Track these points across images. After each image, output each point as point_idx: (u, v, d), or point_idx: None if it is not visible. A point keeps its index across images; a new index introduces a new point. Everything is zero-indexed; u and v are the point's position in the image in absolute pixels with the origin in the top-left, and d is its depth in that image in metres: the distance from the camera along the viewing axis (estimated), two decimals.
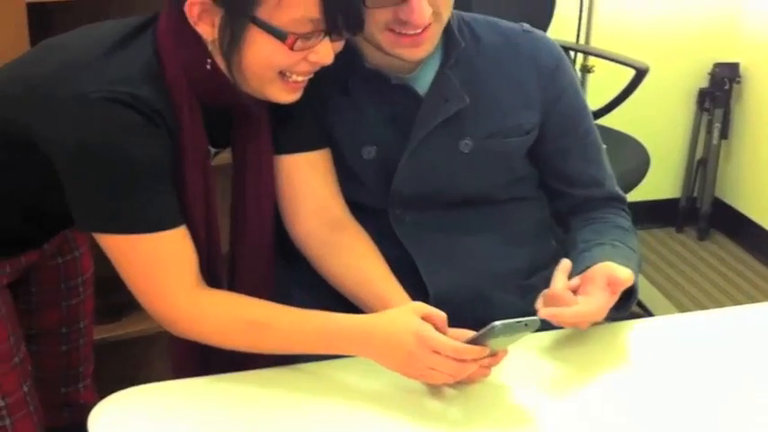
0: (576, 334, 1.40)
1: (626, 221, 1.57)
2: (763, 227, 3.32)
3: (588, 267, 1.40)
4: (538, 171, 1.58)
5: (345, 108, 1.46)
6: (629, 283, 1.36)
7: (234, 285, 1.41)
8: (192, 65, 1.26)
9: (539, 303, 1.35)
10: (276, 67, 1.23)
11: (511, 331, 1.20)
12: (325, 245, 1.42)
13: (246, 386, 1.28)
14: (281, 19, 1.19)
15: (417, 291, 1.42)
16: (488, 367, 1.26)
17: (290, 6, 1.18)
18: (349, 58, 1.40)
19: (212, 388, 1.28)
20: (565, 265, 1.40)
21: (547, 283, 1.55)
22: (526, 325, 1.20)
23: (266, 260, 1.43)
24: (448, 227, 1.51)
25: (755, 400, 1.27)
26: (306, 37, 1.21)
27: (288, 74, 1.25)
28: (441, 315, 1.26)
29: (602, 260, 1.41)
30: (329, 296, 1.43)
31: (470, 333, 1.24)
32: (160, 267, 1.26)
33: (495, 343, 1.22)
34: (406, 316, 1.24)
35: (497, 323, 1.18)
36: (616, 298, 1.36)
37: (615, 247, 1.48)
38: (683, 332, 1.46)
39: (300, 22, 1.19)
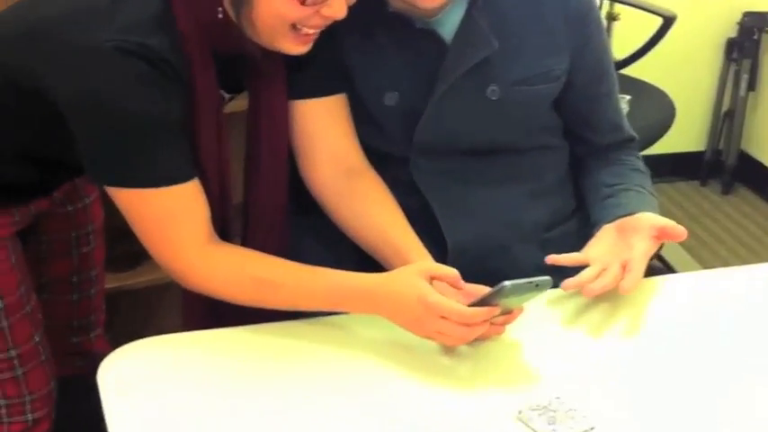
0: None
1: (641, 163, 1.56)
2: None
3: (620, 216, 1.39)
4: (562, 119, 1.53)
5: (368, 53, 1.41)
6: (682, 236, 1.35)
7: (247, 235, 1.38)
8: (204, 13, 1.21)
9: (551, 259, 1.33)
10: (287, 20, 1.19)
11: (521, 291, 1.16)
12: (341, 193, 1.39)
13: (256, 339, 1.26)
14: None
15: (436, 242, 1.38)
16: (503, 325, 1.23)
17: None
18: (372, 2, 1.35)
19: (222, 340, 1.26)
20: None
21: (567, 237, 1.53)
22: (537, 285, 1.16)
23: (280, 209, 1.39)
24: (469, 176, 1.47)
25: None
26: None
27: (299, 26, 1.21)
28: (451, 273, 1.23)
29: (631, 207, 1.41)
30: (344, 247, 1.40)
31: (485, 289, 1.20)
32: (172, 222, 1.24)
33: (505, 302, 1.19)
34: (412, 279, 1.21)
35: (507, 283, 1.14)
36: (658, 245, 1.35)
37: (639, 194, 1.47)
38: (707, 289, 1.42)
39: None
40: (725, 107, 3.40)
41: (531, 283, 1.16)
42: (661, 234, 1.36)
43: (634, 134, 1.58)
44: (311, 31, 1.22)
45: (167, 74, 1.19)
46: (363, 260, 1.36)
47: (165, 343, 1.25)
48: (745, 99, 3.34)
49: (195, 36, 1.21)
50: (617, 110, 1.56)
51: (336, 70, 1.40)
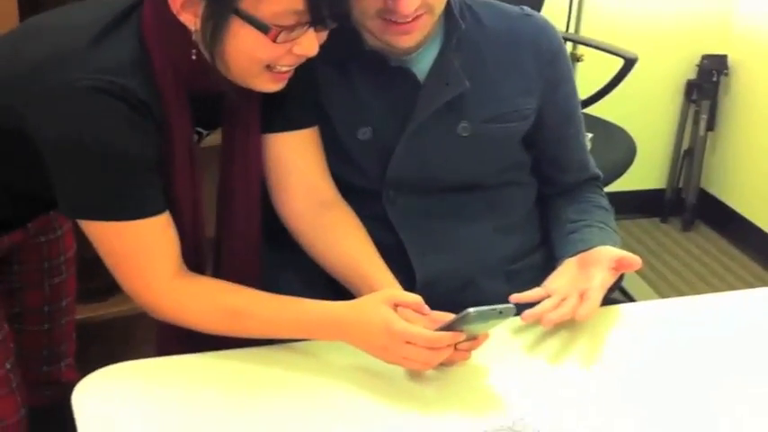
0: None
1: (605, 200, 1.61)
2: (749, 219, 3.34)
3: (582, 251, 1.45)
4: (530, 157, 1.58)
5: (342, 88, 1.46)
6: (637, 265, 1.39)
7: (220, 269, 1.41)
8: (178, 55, 1.25)
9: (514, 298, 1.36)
10: (260, 60, 1.22)
11: (485, 318, 1.20)
12: (314, 225, 1.42)
13: (229, 364, 1.28)
14: (264, 11, 1.18)
15: (407, 276, 1.42)
16: (468, 351, 1.27)
17: None
18: (348, 39, 1.40)
19: (197, 365, 1.28)
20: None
21: (532, 269, 1.57)
22: (500, 312, 1.20)
23: (253, 243, 1.42)
24: (440, 212, 1.51)
25: (736, 383, 1.28)
26: (289, 29, 1.20)
27: (273, 66, 1.24)
28: (414, 299, 1.27)
29: (593, 242, 1.46)
30: (318, 279, 1.44)
31: (450, 316, 1.24)
32: (143, 254, 1.27)
33: (470, 329, 1.23)
34: (376, 307, 1.25)
35: (471, 310, 1.18)
36: (616, 277, 1.40)
37: (602, 230, 1.51)
38: (664, 316, 1.47)
39: (284, 14, 1.18)
40: (685, 146, 3.49)
41: (494, 309, 1.20)
42: (618, 265, 1.41)
43: (599, 172, 1.64)
44: (285, 69, 1.26)
45: (141, 112, 1.22)
46: (338, 293, 1.39)
47: (139, 367, 1.28)
48: (705, 138, 3.43)
49: (170, 77, 1.25)
50: (583, 149, 1.62)
51: (310, 105, 1.44)
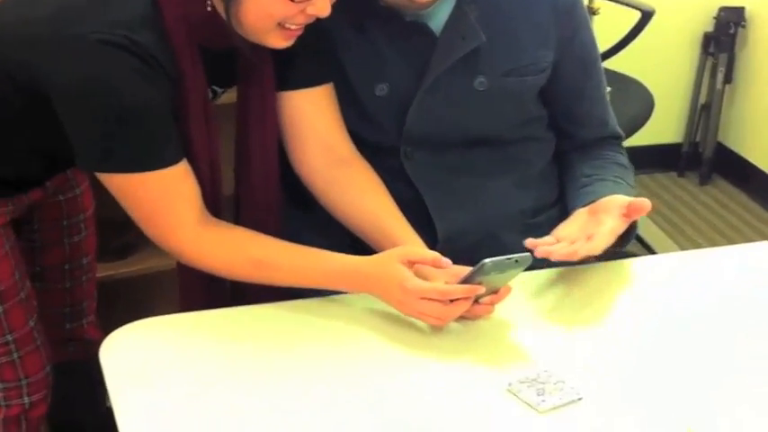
0: (579, 271, 1.41)
1: (625, 159, 1.59)
2: (766, 171, 3.31)
3: (593, 201, 1.42)
4: (548, 112, 1.57)
5: (359, 45, 1.45)
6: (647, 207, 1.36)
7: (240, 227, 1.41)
8: (192, 8, 1.25)
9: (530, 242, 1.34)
10: (275, 17, 1.23)
11: (502, 268, 1.20)
12: (332, 182, 1.42)
13: (252, 319, 1.30)
14: None
15: (427, 232, 1.42)
16: (491, 304, 1.27)
17: None
18: None
19: (220, 320, 1.29)
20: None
21: (550, 223, 1.57)
22: (516, 261, 1.20)
23: (272, 201, 1.43)
24: (459, 167, 1.51)
25: (752, 336, 1.29)
26: None
27: (285, 23, 1.25)
28: (430, 255, 1.27)
29: (605, 194, 1.44)
30: (339, 237, 1.44)
31: (463, 270, 1.25)
32: (164, 203, 1.28)
33: (488, 280, 1.23)
34: (391, 265, 1.26)
35: (487, 260, 1.19)
36: (627, 224, 1.38)
37: (617, 183, 1.50)
38: (685, 268, 1.47)
39: None
40: (702, 100, 3.46)
41: (510, 259, 1.20)
42: (629, 211, 1.38)
43: (620, 132, 1.62)
44: (295, 27, 1.26)
45: (155, 68, 1.22)
46: (359, 250, 1.38)
47: (165, 323, 1.29)
48: (722, 92, 3.40)
49: (183, 32, 1.25)
50: (603, 104, 1.59)
51: (324, 61, 1.43)
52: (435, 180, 1.50)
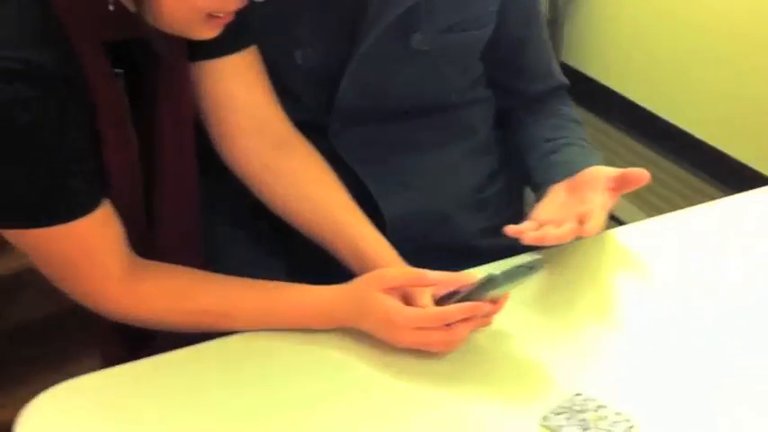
0: (564, 253, 1.24)
1: (573, 111, 1.43)
2: (615, 90, 3.27)
3: (569, 175, 1.25)
4: (488, 66, 1.37)
5: (275, 4, 1.17)
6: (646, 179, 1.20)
7: (157, 239, 1.15)
8: (91, 7, 0.98)
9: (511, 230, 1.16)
10: (203, 10, 0.98)
11: (513, 278, 1.02)
12: (269, 168, 1.18)
13: (196, 362, 1.05)
14: None
15: (372, 219, 1.20)
16: (489, 316, 1.07)
17: None
18: None
19: (159, 369, 1.04)
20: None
21: (499, 195, 1.40)
22: (530, 268, 1.02)
23: (192, 216, 1.18)
24: (400, 141, 1.30)
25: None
26: None
27: (216, 12, 1.00)
28: (409, 277, 1.06)
29: (579, 164, 1.27)
30: (276, 242, 1.25)
31: (456, 277, 1.06)
32: (86, 256, 1.02)
33: (494, 293, 1.04)
34: (368, 299, 1.04)
35: (498, 273, 0.99)
36: (616, 198, 1.21)
37: (584, 148, 1.34)
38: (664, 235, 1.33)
39: None
40: (546, 16, 3.36)
41: (522, 267, 1.01)
42: (621, 183, 1.22)
43: (565, 80, 1.45)
44: (226, 14, 1.01)
45: (55, 88, 0.95)
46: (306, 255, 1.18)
47: (89, 384, 1.02)
48: (564, 7, 3.31)
49: (85, 37, 0.98)
50: (547, 51, 1.42)
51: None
52: (374, 159, 1.28)
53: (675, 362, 1.06)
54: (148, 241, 1.11)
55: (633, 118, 3.22)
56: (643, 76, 3.06)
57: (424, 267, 1.09)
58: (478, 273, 1.06)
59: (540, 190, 1.30)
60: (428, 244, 1.26)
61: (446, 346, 1.04)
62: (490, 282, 1.00)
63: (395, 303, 1.03)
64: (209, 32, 1.01)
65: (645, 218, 1.39)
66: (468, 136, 1.36)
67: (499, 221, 1.36)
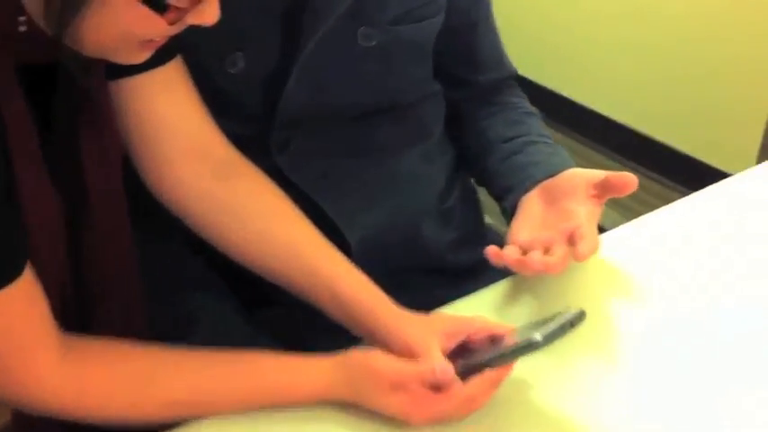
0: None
1: (528, 103, 1.26)
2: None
3: (539, 180, 1.10)
4: (438, 57, 1.20)
5: None
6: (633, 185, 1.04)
7: (89, 314, 0.95)
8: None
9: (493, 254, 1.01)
10: (138, 36, 0.78)
11: (553, 340, 0.85)
12: (213, 199, 0.99)
13: None
14: None
15: (335, 241, 1.01)
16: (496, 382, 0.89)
17: None
18: None
19: None
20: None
21: (464, 204, 1.25)
22: (572, 324, 0.85)
23: (129, 267, 0.98)
24: (353, 149, 1.14)
25: None
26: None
27: (151, 38, 0.80)
28: (436, 364, 0.87)
29: (549, 165, 1.11)
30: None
31: (466, 321, 0.90)
32: (8, 340, 0.80)
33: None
34: (378, 394, 0.86)
35: (539, 337, 0.83)
36: (602, 206, 1.06)
37: (548, 145, 1.18)
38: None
39: None
40: None
41: (565, 325, 0.85)
42: (605, 188, 1.05)
43: (514, 69, 1.28)
44: (161, 38, 0.82)
45: None
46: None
47: None
48: None
49: None
50: (496, 37, 1.25)
51: None
52: (327, 175, 1.12)
53: (686, 373, 0.94)
54: (76, 318, 0.91)
55: (551, 105, 3.14)
56: (557, 64, 2.98)
57: (395, 290, 0.94)
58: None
59: (506, 198, 1.14)
60: (397, 264, 1.13)
61: (463, 415, 0.87)
62: (529, 347, 0.83)
63: (409, 394, 0.85)
64: (138, 57, 0.82)
65: None
66: (424, 137, 1.20)
67: (465, 232, 1.25)
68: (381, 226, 1.13)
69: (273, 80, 1.06)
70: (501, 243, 1.03)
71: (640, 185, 1.02)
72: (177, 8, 0.75)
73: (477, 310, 1.01)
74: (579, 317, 0.85)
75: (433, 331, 0.88)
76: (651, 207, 1.23)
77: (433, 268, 1.19)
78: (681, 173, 2.81)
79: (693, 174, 2.79)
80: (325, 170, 1.11)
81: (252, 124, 1.08)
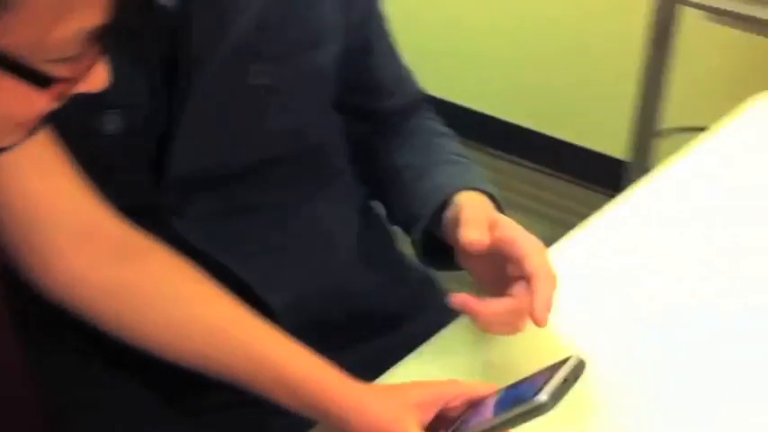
0: None
1: (440, 124, 1.14)
2: None
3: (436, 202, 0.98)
4: (337, 87, 1.07)
5: None
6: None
7: None
8: None
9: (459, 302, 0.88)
10: (16, 119, 0.63)
11: (560, 398, 0.75)
12: (118, 285, 0.85)
13: None
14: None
15: (252, 305, 0.88)
16: None
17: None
18: None
19: None
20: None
21: (377, 241, 1.14)
22: (576, 377, 0.76)
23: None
24: (258, 203, 1.01)
25: None
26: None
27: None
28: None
29: (455, 184, 0.99)
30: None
31: (442, 387, 0.80)
32: None
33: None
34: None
35: (545, 398, 0.72)
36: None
37: (457, 164, 1.06)
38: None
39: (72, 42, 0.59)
40: None
41: (569, 380, 0.75)
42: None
43: (422, 90, 1.15)
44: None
45: None
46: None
47: None
48: None
49: None
50: (399, 62, 1.13)
51: None
52: (232, 233, 0.99)
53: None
54: None
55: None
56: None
57: (335, 353, 0.83)
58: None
59: (413, 229, 1.01)
60: (330, 322, 1.02)
61: None
62: (536, 410, 0.73)
63: None
64: (10, 140, 0.69)
65: None
66: (332, 178, 1.08)
67: (388, 272, 1.14)
68: (302, 282, 1.01)
69: (159, 137, 0.93)
70: (426, 281, 0.98)
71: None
72: (63, 80, 0.61)
73: (435, 363, 0.90)
74: (580, 366, 0.75)
75: (405, 406, 0.77)
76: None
77: (367, 318, 1.08)
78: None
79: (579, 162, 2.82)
80: (230, 230, 0.99)
81: (141, 191, 0.94)
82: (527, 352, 0.89)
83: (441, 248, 0.98)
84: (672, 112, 2.34)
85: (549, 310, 0.83)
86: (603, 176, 2.65)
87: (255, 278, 0.97)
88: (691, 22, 2.20)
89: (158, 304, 0.84)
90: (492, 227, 0.88)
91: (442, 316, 0.99)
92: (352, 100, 1.10)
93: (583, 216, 1.17)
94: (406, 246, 1.15)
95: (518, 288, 0.85)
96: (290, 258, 1.02)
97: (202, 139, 0.94)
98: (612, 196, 1.24)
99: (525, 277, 0.85)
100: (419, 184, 1.04)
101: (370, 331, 1.07)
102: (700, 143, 1.30)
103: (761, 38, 2.07)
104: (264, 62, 0.96)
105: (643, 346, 0.94)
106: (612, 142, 2.62)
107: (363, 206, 1.14)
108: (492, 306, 0.86)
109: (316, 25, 0.99)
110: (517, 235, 0.87)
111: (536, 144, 2.89)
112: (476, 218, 0.90)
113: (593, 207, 1.20)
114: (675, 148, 1.30)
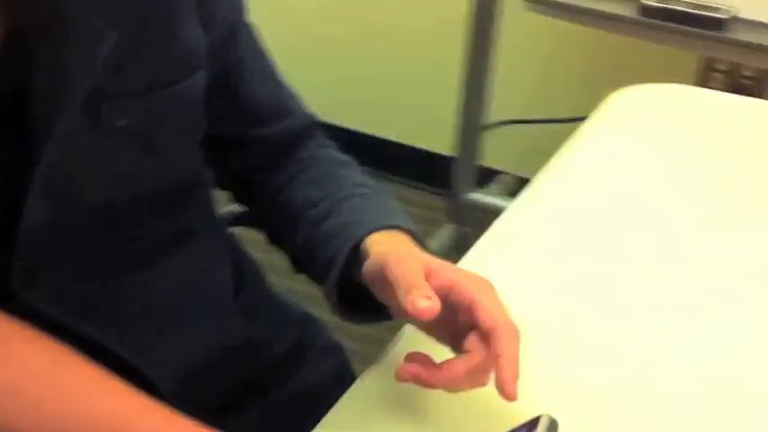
0: None
1: (337, 151, 1.02)
2: None
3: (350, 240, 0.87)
4: (213, 120, 0.94)
5: None
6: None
7: None
8: None
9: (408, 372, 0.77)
10: None
11: None
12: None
13: None
14: None
15: (133, 382, 0.75)
16: None
17: None
18: None
19: None
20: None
21: (263, 300, 1.03)
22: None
23: None
24: (121, 261, 0.87)
25: None
26: None
27: None
28: None
29: (365, 223, 0.88)
30: None
31: None
32: None
33: None
34: None
35: None
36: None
37: (363, 196, 0.94)
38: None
39: None
40: None
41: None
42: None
43: (313, 116, 1.02)
44: None
45: None
46: None
47: None
48: None
49: None
50: (279, 80, 1.00)
51: None
52: (92, 302, 0.85)
53: None
54: None
55: None
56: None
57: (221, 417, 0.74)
58: None
59: (323, 280, 0.88)
60: (223, 394, 0.92)
61: None
62: None
63: None
64: None
65: None
66: (202, 226, 0.95)
67: (277, 319, 1.04)
68: (184, 351, 0.89)
69: (4, 201, 0.78)
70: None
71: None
72: None
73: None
74: (553, 426, 0.68)
75: None
76: None
77: (259, 378, 0.97)
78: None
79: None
80: (90, 298, 0.85)
81: None
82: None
83: (359, 295, 0.85)
84: (496, 105, 2.33)
85: (517, 377, 0.73)
86: (431, 175, 2.60)
87: (127, 349, 0.84)
88: (512, 12, 2.20)
89: (36, 401, 0.71)
90: (427, 275, 0.77)
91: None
92: (233, 130, 0.97)
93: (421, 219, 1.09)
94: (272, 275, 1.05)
95: (474, 342, 0.75)
96: (162, 323, 0.89)
97: (55, 198, 0.80)
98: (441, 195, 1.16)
99: (479, 328, 0.75)
100: (325, 225, 0.92)
101: (265, 386, 0.97)
102: (566, 146, 1.26)
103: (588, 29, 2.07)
104: (121, 101, 0.82)
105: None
106: (438, 139, 2.58)
107: (230, 250, 1.02)
108: (449, 372, 0.75)
109: (175, 60, 0.86)
110: (458, 278, 0.77)
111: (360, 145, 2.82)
112: (412, 274, 0.76)
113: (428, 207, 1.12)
114: (503, 142, 1.25)
